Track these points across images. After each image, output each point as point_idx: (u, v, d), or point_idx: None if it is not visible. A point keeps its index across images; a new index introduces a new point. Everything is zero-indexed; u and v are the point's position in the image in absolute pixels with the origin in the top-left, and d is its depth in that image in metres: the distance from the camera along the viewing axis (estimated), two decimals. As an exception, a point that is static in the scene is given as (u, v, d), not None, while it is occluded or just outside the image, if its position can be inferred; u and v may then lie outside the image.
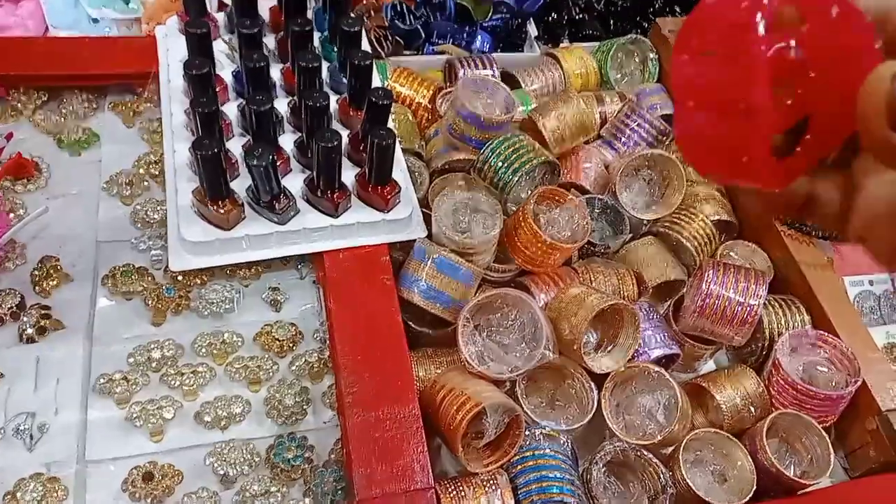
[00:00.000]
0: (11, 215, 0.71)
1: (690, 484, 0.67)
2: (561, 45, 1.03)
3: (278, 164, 0.70)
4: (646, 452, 0.69)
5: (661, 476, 0.68)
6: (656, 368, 0.71)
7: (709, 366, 0.83)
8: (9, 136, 0.73)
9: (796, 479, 0.67)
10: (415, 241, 0.73)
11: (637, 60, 1.03)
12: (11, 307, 0.66)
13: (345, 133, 0.76)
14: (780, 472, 0.67)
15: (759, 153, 0.23)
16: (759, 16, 0.22)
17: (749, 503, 0.67)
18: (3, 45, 0.80)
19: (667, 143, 0.92)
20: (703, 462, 0.72)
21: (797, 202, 0.28)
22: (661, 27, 1.02)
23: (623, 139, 0.90)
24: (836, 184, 0.28)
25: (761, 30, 0.22)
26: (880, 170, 0.26)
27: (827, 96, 0.23)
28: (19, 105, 0.78)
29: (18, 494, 0.57)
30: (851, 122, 0.23)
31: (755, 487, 0.67)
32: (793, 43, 0.23)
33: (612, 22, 1.08)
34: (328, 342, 0.69)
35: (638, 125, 0.90)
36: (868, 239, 0.27)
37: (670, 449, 0.72)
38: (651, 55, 1.02)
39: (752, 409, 0.73)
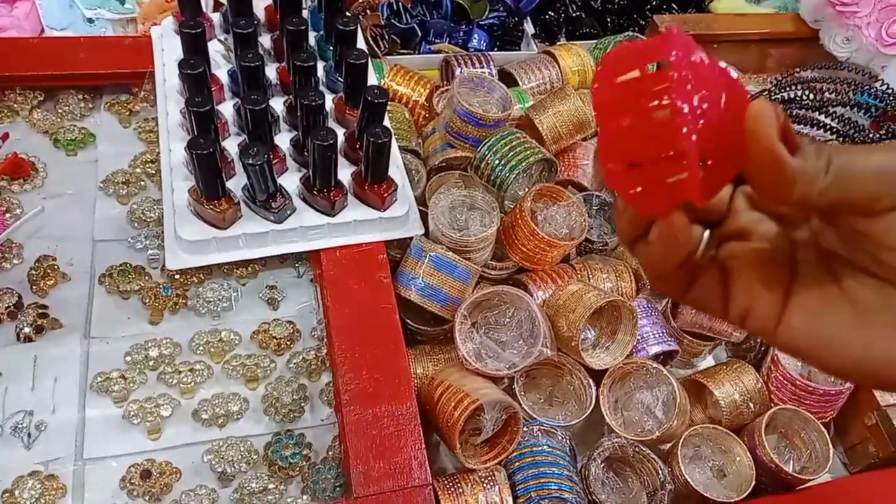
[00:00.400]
0: (8, 215, 0.71)
1: (689, 479, 0.67)
2: (558, 42, 1.03)
3: (274, 162, 0.70)
4: (644, 448, 0.68)
5: (660, 472, 0.67)
6: (654, 364, 0.71)
7: (707, 362, 0.83)
8: (5, 137, 0.73)
9: (795, 474, 0.67)
10: (412, 238, 0.73)
11: (634, 57, 1.03)
12: (9, 306, 0.66)
13: (341, 132, 0.76)
14: (779, 467, 0.67)
15: (691, 168, 0.26)
16: (671, 96, 0.25)
17: (748, 499, 0.67)
18: (-1, 45, 0.81)
19: (664, 139, 0.92)
20: (702, 458, 0.72)
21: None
22: (658, 24, 1.02)
23: (620, 136, 0.90)
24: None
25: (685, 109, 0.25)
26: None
27: (721, 128, 0.26)
28: (15, 105, 0.79)
29: (17, 492, 0.57)
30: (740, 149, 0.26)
31: (754, 483, 0.67)
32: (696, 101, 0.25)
33: (609, 19, 1.08)
34: (325, 340, 0.69)
35: (635, 122, 0.90)
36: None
37: (669, 445, 0.72)
38: (648, 52, 1.02)
39: (751, 404, 0.73)
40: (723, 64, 0.27)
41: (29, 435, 0.60)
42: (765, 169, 0.26)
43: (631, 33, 1.01)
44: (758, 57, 1.12)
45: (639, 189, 0.27)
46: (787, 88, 0.92)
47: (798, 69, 0.95)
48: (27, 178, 0.75)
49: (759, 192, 0.29)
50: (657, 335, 0.76)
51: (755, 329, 0.29)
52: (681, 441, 0.69)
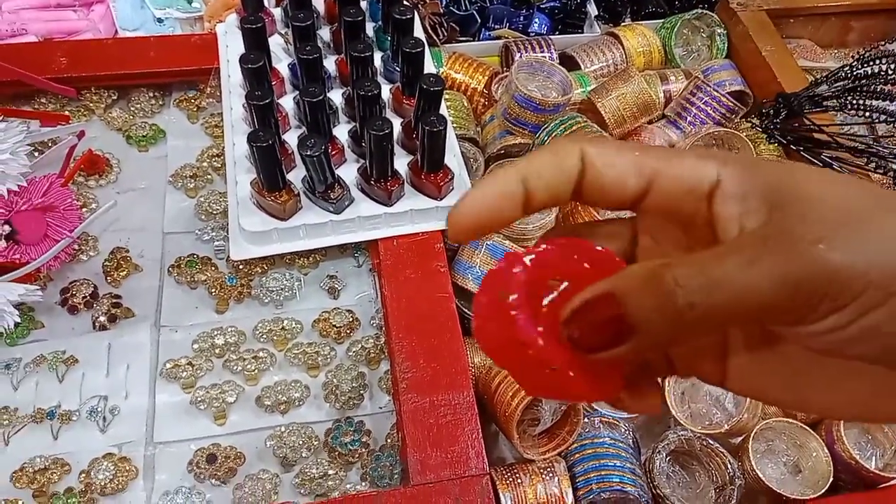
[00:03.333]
0: (84, 209, 0.74)
1: (761, 475, 0.64)
2: (622, 23, 1.00)
3: (333, 154, 0.71)
4: (712, 442, 0.66)
5: (729, 466, 0.65)
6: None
7: (782, 353, 0.79)
8: (81, 135, 0.76)
9: (878, 471, 0.63)
10: (469, 227, 0.72)
11: (704, 36, 0.99)
12: (85, 296, 0.69)
13: (398, 121, 0.76)
14: (859, 464, 0.63)
15: (581, 388, 0.25)
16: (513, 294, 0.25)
17: (825, 496, 0.63)
18: (75, 47, 0.84)
19: (735, 120, 0.88)
20: (775, 452, 0.69)
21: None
22: (730, 0, 0.98)
23: (689, 118, 0.87)
24: None
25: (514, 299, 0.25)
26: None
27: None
28: (91, 104, 0.82)
29: (92, 473, 0.60)
30: None
31: (832, 480, 0.63)
32: (551, 297, 0.25)
33: (676, -3, 1.04)
34: (384, 328, 0.69)
35: (705, 103, 0.87)
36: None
37: (739, 439, 0.69)
38: (719, 30, 0.98)
39: (829, 397, 0.69)
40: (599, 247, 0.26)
41: (104, 419, 0.63)
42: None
43: (700, 10, 0.97)
44: (839, 30, 1.05)
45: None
46: (870, 63, 0.86)
47: (883, 42, 0.89)
48: (102, 174, 0.78)
49: None
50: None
51: (704, 382, 0.29)
52: (752, 435, 0.66)
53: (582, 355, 0.25)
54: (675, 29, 0.95)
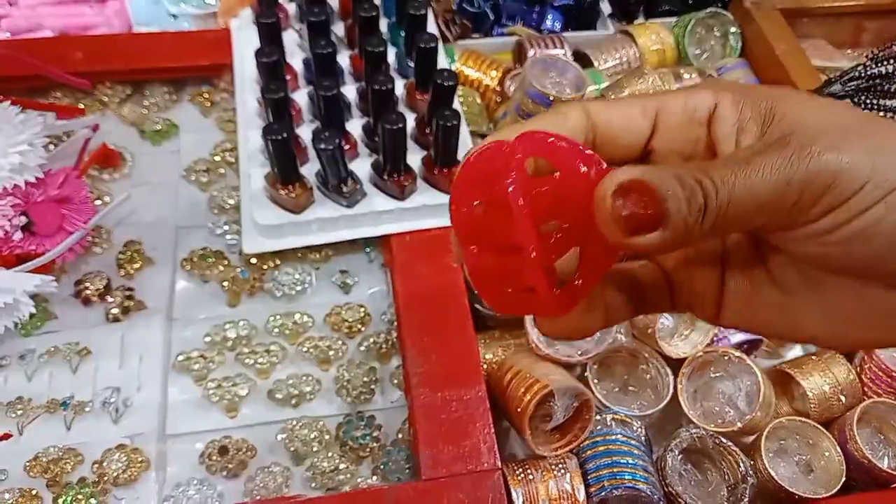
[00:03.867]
0: (98, 202, 0.75)
1: (773, 474, 0.63)
2: (636, 21, 1.00)
3: (346, 148, 0.71)
4: (725, 440, 0.66)
5: (742, 465, 0.64)
6: (737, 353, 0.68)
7: (795, 352, 0.79)
8: (96, 128, 0.76)
9: (891, 471, 0.63)
10: (482, 222, 0.72)
11: (717, 35, 0.99)
12: (99, 289, 0.69)
13: (412, 117, 0.76)
14: (872, 463, 0.63)
15: (538, 285, 0.25)
16: (512, 169, 0.25)
17: (837, 495, 0.63)
18: (91, 42, 0.85)
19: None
20: (788, 451, 0.68)
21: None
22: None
23: (701, 116, 0.86)
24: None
25: (513, 178, 0.24)
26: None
27: (587, 223, 0.25)
28: (105, 98, 0.83)
29: (105, 463, 0.60)
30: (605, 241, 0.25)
31: (844, 479, 0.63)
32: (545, 187, 0.25)
33: (689, -5, 1.03)
34: (396, 324, 0.69)
35: (717, 102, 0.86)
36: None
37: (752, 438, 0.69)
38: (732, 29, 0.97)
39: (842, 397, 0.69)
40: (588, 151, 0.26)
41: (116, 410, 0.63)
42: (626, 251, 0.25)
43: (714, 9, 0.96)
44: (852, 31, 1.05)
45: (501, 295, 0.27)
46: (884, 63, 0.86)
47: (897, 42, 0.89)
48: (116, 168, 0.78)
49: None
50: (739, 323, 0.72)
51: (699, 317, 0.30)
52: (765, 433, 0.66)
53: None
54: (689, 27, 0.95)
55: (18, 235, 0.64)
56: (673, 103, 0.27)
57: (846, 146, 0.23)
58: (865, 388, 0.69)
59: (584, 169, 0.24)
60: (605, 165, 0.24)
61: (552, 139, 0.25)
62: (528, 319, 0.67)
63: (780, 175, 0.23)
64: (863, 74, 0.84)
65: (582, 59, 0.93)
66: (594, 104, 0.27)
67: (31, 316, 0.65)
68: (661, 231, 0.23)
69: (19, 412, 0.63)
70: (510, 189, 0.24)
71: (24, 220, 0.64)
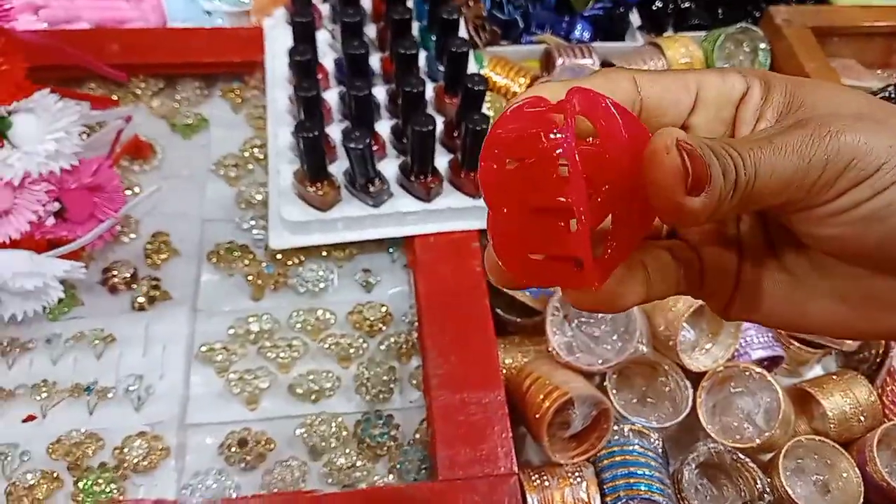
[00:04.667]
0: (128, 192, 0.76)
1: (790, 492, 0.63)
2: (665, 34, 1.00)
3: (375, 148, 0.72)
4: (742, 456, 0.65)
5: (759, 482, 0.64)
6: (758, 370, 0.68)
7: (815, 371, 0.78)
8: (128, 119, 0.78)
9: (911, 495, 0.62)
10: (506, 227, 0.72)
11: (747, 50, 0.99)
12: (126, 277, 0.70)
13: (440, 120, 0.77)
14: (891, 486, 0.62)
15: (583, 253, 0.23)
16: (560, 119, 0.24)
17: (855, 517, 0.62)
18: (127, 35, 0.86)
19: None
20: (805, 471, 0.68)
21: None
22: (774, 16, 0.97)
23: (728, 131, 0.86)
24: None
25: (563, 133, 0.23)
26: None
27: (625, 188, 0.24)
28: (139, 91, 0.84)
29: (125, 450, 0.61)
30: (646, 205, 0.24)
31: (862, 501, 0.63)
32: (591, 141, 0.24)
33: (720, 10, 1.03)
34: (416, 325, 0.70)
35: (745, 117, 0.86)
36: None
37: (769, 455, 0.68)
38: (762, 45, 0.97)
39: (862, 418, 0.68)
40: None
41: (139, 397, 0.64)
42: (669, 215, 0.24)
43: (744, 24, 0.96)
44: (882, 51, 1.04)
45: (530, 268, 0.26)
46: (916, 83, 0.85)
47: (930, 63, 0.88)
48: (146, 160, 0.79)
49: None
50: (762, 340, 0.72)
51: (712, 307, 0.31)
52: (783, 452, 0.65)
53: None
54: (719, 42, 0.95)
55: (51, 221, 0.65)
56: (712, 81, 0.27)
57: (863, 128, 0.24)
58: (886, 410, 0.69)
59: (626, 134, 0.23)
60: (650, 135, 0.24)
61: (609, 100, 0.24)
62: (550, 326, 0.67)
63: (801, 153, 0.23)
64: (893, 95, 0.83)
65: (610, 69, 0.94)
66: (642, 76, 0.27)
67: (59, 301, 0.66)
68: (704, 196, 0.23)
69: (44, 395, 0.64)
70: (564, 144, 0.23)
71: (57, 206, 0.65)
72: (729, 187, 0.23)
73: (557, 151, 0.23)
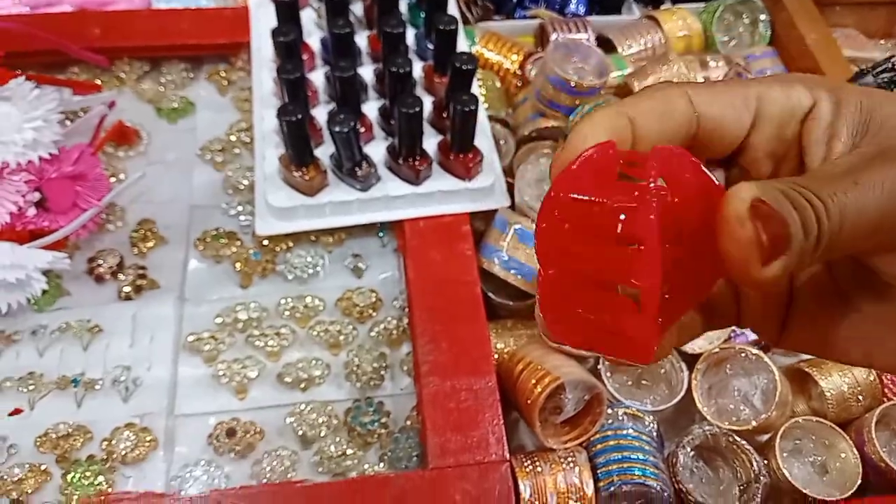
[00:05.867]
0: (113, 179, 0.74)
1: (787, 474, 0.62)
2: (662, 6, 0.98)
3: (362, 131, 0.70)
4: (738, 439, 0.64)
5: (755, 464, 0.63)
6: (754, 350, 0.67)
7: (814, 350, 0.77)
8: (112, 105, 0.76)
9: (909, 476, 0.62)
10: (496, 210, 0.71)
11: (746, 22, 0.96)
12: (112, 266, 0.69)
13: (429, 100, 0.75)
14: (889, 466, 0.61)
15: (645, 338, 0.22)
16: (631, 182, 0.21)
17: (852, 498, 0.61)
18: (109, 18, 0.84)
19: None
20: (803, 452, 0.67)
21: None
22: (774, -15, 0.95)
23: (726, 106, 0.84)
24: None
25: (643, 212, 0.20)
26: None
27: (695, 255, 0.21)
28: (122, 75, 0.82)
29: (114, 441, 0.61)
30: (714, 268, 0.22)
31: (860, 482, 0.62)
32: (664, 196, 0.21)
33: (718, -19, 1.00)
34: (407, 310, 0.69)
35: (744, 91, 0.84)
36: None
37: (766, 437, 0.67)
38: (762, 16, 0.95)
39: (861, 398, 0.67)
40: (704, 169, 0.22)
41: (126, 388, 0.64)
42: (743, 284, 0.22)
43: (743, -5, 0.94)
44: (885, 20, 1.01)
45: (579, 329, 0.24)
46: (920, 53, 0.83)
47: (935, 32, 0.86)
48: (131, 145, 0.78)
49: None
50: (758, 319, 0.71)
51: (761, 336, 0.28)
52: (780, 433, 0.64)
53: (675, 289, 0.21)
54: (718, 14, 0.92)
55: (32, 211, 0.64)
56: (773, 95, 0.24)
57: None
58: (885, 390, 0.68)
59: (701, 201, 0.21)
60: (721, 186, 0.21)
61: (693, 160, 0.21)
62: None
63: (893, 193, 0.20)
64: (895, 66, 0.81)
65: (606, 44, 0.91)
66: (698, 92, 0.24)
67: (44, 292, 0.65)
68: (784, 258, 0.20)
69: (31, 387, 0.63)
70: (647, 218, 0.20)
71: (37, 196, 0.64)
72: (811, 242, 0.20)
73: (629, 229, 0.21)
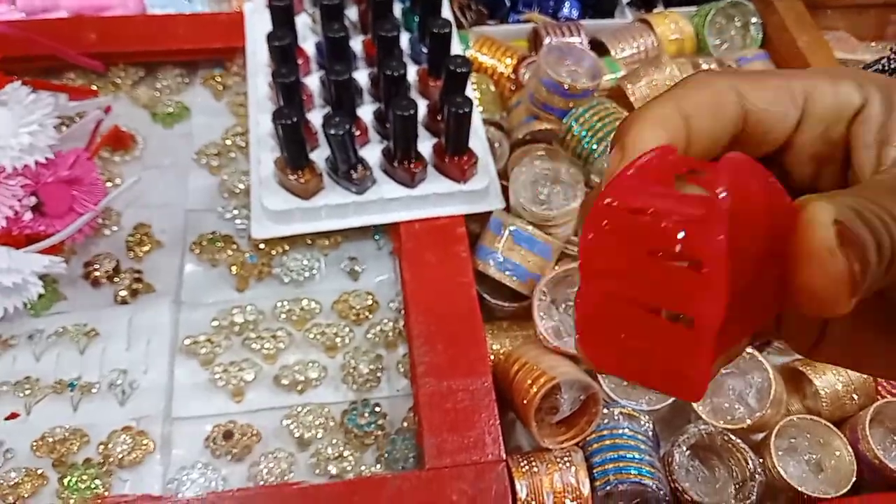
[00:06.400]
0: (109, 184, 0.74)
1: (782, 472, 0.63)
2: (655, 10, 0.98)
3: (357, 134, 0.71)
4: (734, 437, 0.65)
5: (750, 462, 0.64)
6: (749, 349, 0.67)
7: (808, 350, 0.77)
8: (108, 110, 0.76)
9: (903, 473, 0.62)
10: (491, 212, 0.71)
11: (738, 25, 0.97)
12: (108, 270, 0.70)
13: (424, 103, 0.75)
14: (883, 464, 0.62)
15: (696, 373, 0.19)
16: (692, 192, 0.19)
17: (847, 496, 0.62)
18: (105, 23, 0.85)
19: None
20: (798, 450, 0.67)
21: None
22: (765, -12, 0.96)
23: (719, 108, 0.85)
24: None
25: (712, 229, 0.18)
26: None
27: (758, 281, 0.19)
28: (118, 80, 0.82)
29: (110, 445, 0.61)
30: (777, 296, 0.20)
31: (854, 479, 0.62)
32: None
33: (710, -15, 1.01)
34: (403, 312, 0.69)
35: (736, 93, 0.84)
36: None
37: (761, 435, 0.68)
38: (753, 19, 0.96)
39: (855, 396, 0.68)
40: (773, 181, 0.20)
41: (123, 392, 0.64)
42: (815, 314, 0.20)
43: (734, -1, 0.94)
44: (876, 23, 1.02)
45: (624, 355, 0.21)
46: (910, 55, 0.84)
47: (924, 34, 0.87)
48: (127, 150, 0.78)
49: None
50: (752, 319, 0.71)
51: (795, 349, 0.26)
52: (775, 431, 0.65)
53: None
54: (709, 17, 0.93)
55: (28, 216, 0.64)
56: (821, 91, 0.22)
57: None
58: (879, 388, 0.68)
59: (773, 207, 0.19)
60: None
61: (766, 172, 0.19)
62: (537, 311, 0.66)
63: None
64: (886, 68, 0.82)
65: (599, 47, 0.92)
66: (745, 83, 0.22)
67: (41, 296, 0.65)
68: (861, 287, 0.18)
69: (27, 392, 0.63)
70: (716, 239, 0.18)
71: (33, 200, 0.64)
72: (883, 266, 0.18)
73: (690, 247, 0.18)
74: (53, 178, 0.65)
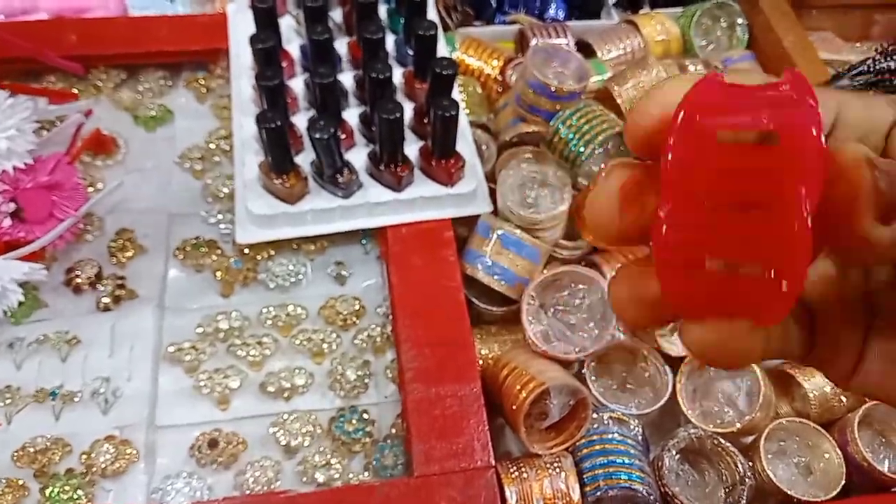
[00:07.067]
0: (91, 189, 0.73)
1: (771, 475, 0.63)
2: (641, 11, 0.98)
3: (342, 137, 0.70)
4: (723, 441, 0.65)
5: (740, 466, 0.64)
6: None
7: (796, 351, 0.77)
8: (88, 113, 0.75)
9: (891, 474, 0.62)
10: (479, 216, 0.71)
11: (724, 26, 0.97)
12: (90, 277, 0.68)
13: (410, 106, 0.75)
14: (872, 466, 0.62)
15: (777, 310, 0.20)
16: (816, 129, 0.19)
17: (836, 499, 0.62)
18: (85, 25, 0.83)
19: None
20: (787, 453, 0.67)
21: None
22: (751, -10, 0.96)
23: (706, 109, 0.85)
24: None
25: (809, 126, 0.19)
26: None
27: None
28: (99, 83, 0.81)
29: (93, 454, 0.60)
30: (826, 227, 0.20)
31: (844, 482, 0.62)
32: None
33: (696, -14, 1.01)
34: (390, 317, 0.68)
35: (723, 95, 0.84)
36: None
37: (751, 438, 0.68)
38: (739, 20, 0.96)
39: (843, 398, 0.68)
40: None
41: (106, 400, 0.63)
42: (850, 242, 0.20)
43: (721, 0, 0.94)
44: (862, 23, 1.03)
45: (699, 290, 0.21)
46: (893, 57, 0.84)
47: (908, 35, 0.87)
48: (109, 154, 0.77)
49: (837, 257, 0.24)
50: (741, 321, 0.71)
51: (828, 376, 0.26)
52: (764, 435, 0.65)
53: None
54: (696, 18, 0.93)
55: (7, 222, 0.63)
56: (853, 103, 0.23)
57: None
58: (867, 390, 0.68)
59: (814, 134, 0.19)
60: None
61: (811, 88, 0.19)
62: (525, 315, 0.65)
63: None
64: (872, 69, 0.82)
65: (585, 48, 0.92)
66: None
67: (21, 304, 0.64)
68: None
69: (7, 401, 0.62)
70: (799, 192, 0.18)
71: (12, 206, 0.63)
72: None
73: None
74: (33, 184, 0.64)
